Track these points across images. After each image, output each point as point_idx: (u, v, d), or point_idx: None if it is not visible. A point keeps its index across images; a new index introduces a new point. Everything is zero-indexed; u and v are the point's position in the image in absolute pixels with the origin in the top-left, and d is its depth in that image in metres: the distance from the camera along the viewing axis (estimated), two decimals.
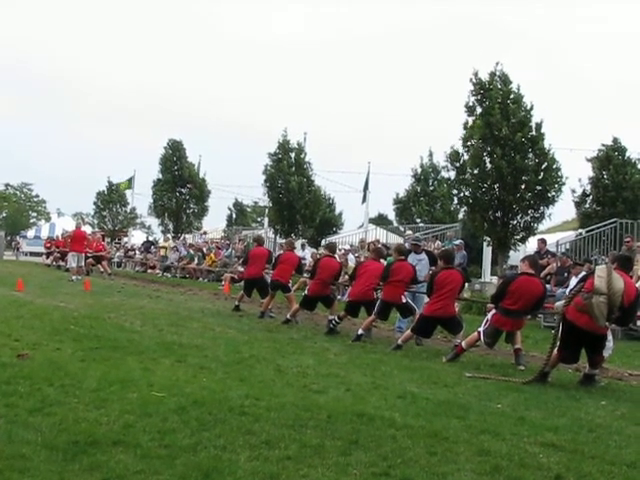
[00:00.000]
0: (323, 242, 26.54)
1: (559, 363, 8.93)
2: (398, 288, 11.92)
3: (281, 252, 16.67)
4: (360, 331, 11.95)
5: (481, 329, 9.96)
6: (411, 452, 5.20)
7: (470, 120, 19.61)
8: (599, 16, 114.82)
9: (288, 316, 14.00)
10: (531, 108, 19.12)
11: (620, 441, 5.88)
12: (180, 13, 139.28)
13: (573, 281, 12.90)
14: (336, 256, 15.20)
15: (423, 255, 13.23)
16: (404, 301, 12.01)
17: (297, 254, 17.29)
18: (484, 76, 19.34)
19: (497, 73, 19.26)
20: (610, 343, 8.98)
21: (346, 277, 16.14)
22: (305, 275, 16.66)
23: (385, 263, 13.33)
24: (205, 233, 37.46)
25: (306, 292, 14.37)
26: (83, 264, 24.86)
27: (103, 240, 32.19)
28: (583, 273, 10.53)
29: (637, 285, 13.16)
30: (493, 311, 9.99)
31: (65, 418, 5.61)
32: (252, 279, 15.81)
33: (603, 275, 8.21)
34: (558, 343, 8.61)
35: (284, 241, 20.22)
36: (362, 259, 18.22)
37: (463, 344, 10.18)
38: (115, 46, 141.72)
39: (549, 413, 6.88)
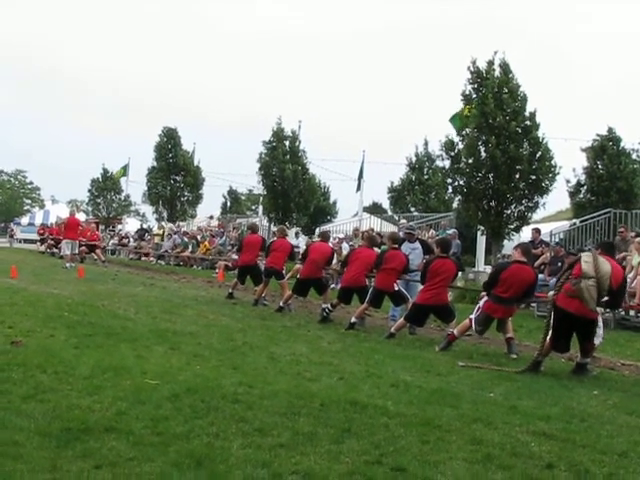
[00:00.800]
0: (317, 231, 26.47)
1: (552, 352, 8.98)
2: (390, 276, 11.94)
3: (274, 239, 16.66)
4: (353, 319, 11.97)
5: (472, 316, 10.01)
6: (403, 440, 5.22)
7: (467, 109, 19.55)
8: (596, 10, 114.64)
9: (281, 303, 14.03)
10: (524, 97, 19.08)
11: (612, 430, 5.90)
12: (172, 2, 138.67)
13: None
14: (329, 244, 15.21)
15: (417, 244, 13.24)
16: (396, 289, 12.03)
17: (290, 241, 17.30)
18: (482, 65, 19.29)
19: (497, 61, 19.18)
20: (600, 330, 9.02)
21: (339, 265, 16.15)
22: (298, 262, 16.67)
23: (379, 251, 13.35)
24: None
25: (298, 276, 14.39)
26: (77, 251, 24.83)
27: (97, 229, 32.12)
28: None
29: (632, 274, 13.31)
30: (485, 298, 10.04)
31: (58, 405, 5.61)
32: (245, 266, 15.82)
33: (589, 260, 8.36)
34: (550, 332, 8.66)
35: (276, 228, 20.21)
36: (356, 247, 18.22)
37: (455, 332, 10.22)
38: (111, 36, 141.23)
39: (541, 402, 6.90)
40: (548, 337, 8.68)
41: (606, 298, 8.47)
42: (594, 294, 8.25)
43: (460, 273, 13.55)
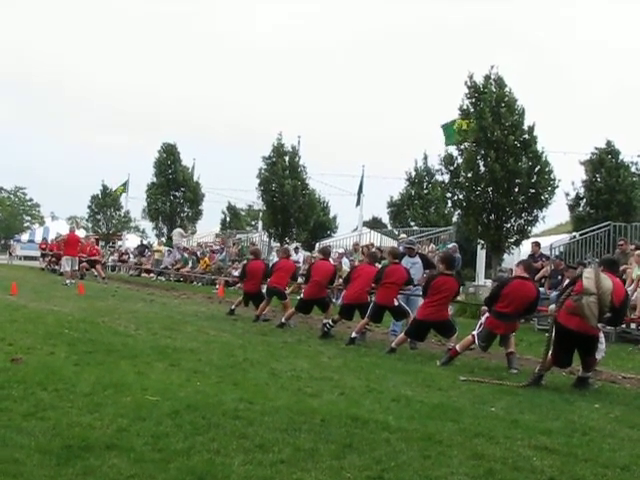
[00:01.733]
0: (317, 246, 26.44)
1: (553, 366, 8.96)
2: (391, 290, 11.94)
3: (276, 260, 16.74)
4: (353, 334, 11.96)
5: (475, 332, 9.99)
6: (405, 455, 5.20)
7: (464, 123, 19.64)
8: (595, 23, 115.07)
9: (283, 320, 14.00)
10: (522, 111, 19.17)
11: (613, 444, 5.89)
12: (171, 17, 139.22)
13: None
14: (330, 259, 15.21)
15: (417, 259, 13.25)
16: (397, 304, 12.03)
17: (292, 261, 17.34)
18: (479, 79, 19.39)
19: (492, 76, 19.31)
20: (603, 345, 9.02)
21: (340, 281, 16.15)
22: (300, 280, 16.68)
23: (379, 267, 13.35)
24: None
25: (302, 296, 14.37)
26: (77, 268, 24.82)
27: (97, 244, 32.11)
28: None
29: (632, 287, 13.29)
30: (487, 314, 10.02)
31: (59, 422, 5.60)
32: (249, 294, 15.88)
33: (591, 276, 8.34)
34: (551, 347, 8.64)
35: (279, 249, 20.29)
36: (356, 263, 18.22)
37: (457, 347, 10.20)
38: (109, 51, 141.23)
39: (543, 416, 6.89)
40: (549, 352, 8.67)
41: (608, 315, 8.45)
42: (595, 311, 8.22)
43: (460, 288, 13.52)
